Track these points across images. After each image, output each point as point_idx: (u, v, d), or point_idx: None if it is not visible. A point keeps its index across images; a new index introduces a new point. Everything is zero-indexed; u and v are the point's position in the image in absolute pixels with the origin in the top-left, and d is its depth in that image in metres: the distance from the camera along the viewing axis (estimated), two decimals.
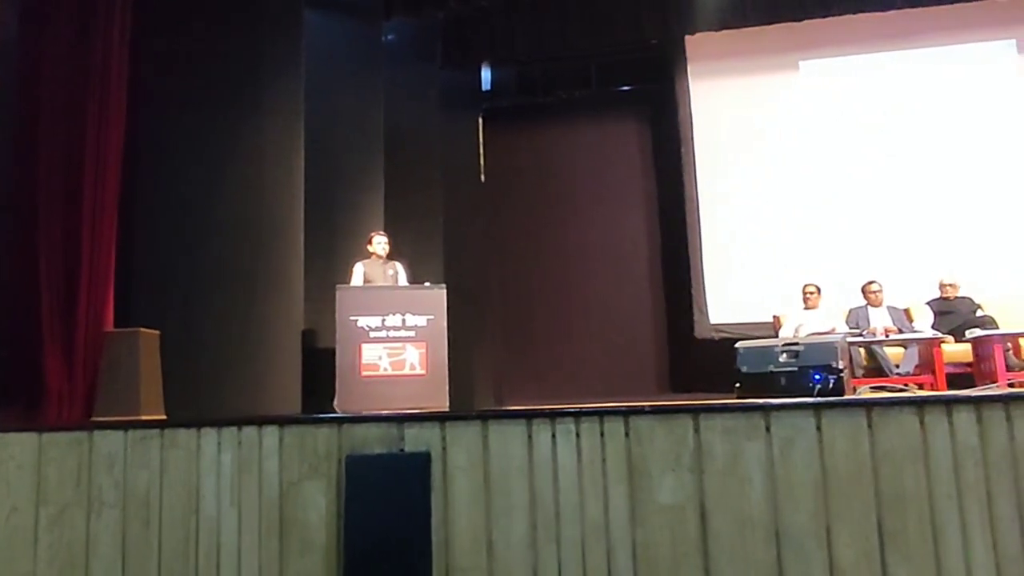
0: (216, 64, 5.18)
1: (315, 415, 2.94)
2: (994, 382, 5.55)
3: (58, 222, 4.01)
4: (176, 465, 2.87)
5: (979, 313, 6.59)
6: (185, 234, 4.94)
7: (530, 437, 2.61)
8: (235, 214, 5.12)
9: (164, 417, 4.07)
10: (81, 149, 4.09)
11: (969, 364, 6.15)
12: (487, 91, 9.48)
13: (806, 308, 6.79)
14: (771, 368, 3.54)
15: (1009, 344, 5.95)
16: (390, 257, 6.11)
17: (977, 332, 6.06)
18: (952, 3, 7.74)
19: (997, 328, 6.19)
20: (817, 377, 3.41)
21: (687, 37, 8.55)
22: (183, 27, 5.11)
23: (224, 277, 4.98)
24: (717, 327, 8.06)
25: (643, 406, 2.58)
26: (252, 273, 5.12)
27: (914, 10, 7.85)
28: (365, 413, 3.41)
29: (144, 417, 3.86)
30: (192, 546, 2.80)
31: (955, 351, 6.19)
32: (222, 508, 2.80)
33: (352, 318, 5.38)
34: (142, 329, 4.15)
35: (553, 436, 2.59)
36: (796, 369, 3.48)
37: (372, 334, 5.38)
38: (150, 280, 4.83)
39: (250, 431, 2.84)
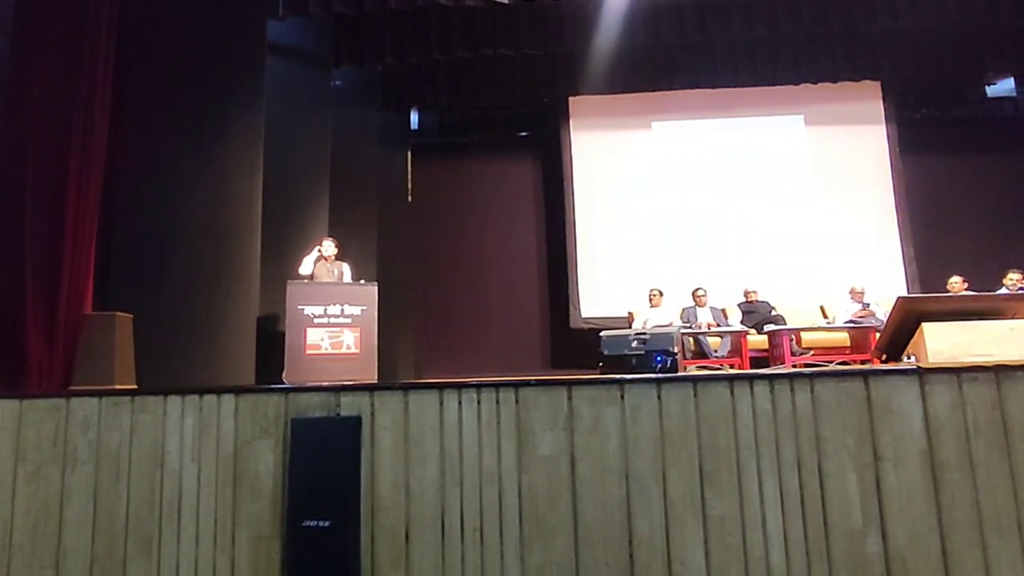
0: (190, 96, 4.86)
1: (266, 386, 2.80)
2: (783, 364, 5.91)
3: (44, 223, 3.63)
4: (144, 427, 2.67)
5: (774, 313, 7.00)
6: (159, 236, 4.60)
7: (441, 404, 2.58)
8: (202, 221, 4.83)
9: (135, 387, 3.78)
10: (66, 160, 3.72)
11: (765, 350, 6.54)
12: (415, 130, 9.39)
13: (652, 307, 7.03)
14: (625, 351, 3.60)
15: (793, 336, 6.37)
16: (338, 259, 5.94)
17: (772, 327, 6.44)
18: (759, 86, 8.28)
19: (786, 324, 6.59)
20: (659, 359, 3.49)
21: (570, 98, 8.73)
22: (162, 62, 4.78)
23: (191, 272, 4.69)
24: (587, 320, 8.25)
25: (529, 379, 2.59)
26: (215, 270, 4.84)
27: (734, 89, 8.35)
28: (308, 384, 3.28)
29: (117, 387, 3.58)
30: (157, 495, 2.61)
31: (756, 341, 6.55)
32: (184, 463, 2.62)
33: (300, 307, 5.21)
34: (118, 313, 3.84)
35: (459, 403, 2.57)
36: (644, 352, 3.55)
37: (316, 320, 5.22)
38: (127, 274, 4.48)
39: (210, 398, 2.68)
